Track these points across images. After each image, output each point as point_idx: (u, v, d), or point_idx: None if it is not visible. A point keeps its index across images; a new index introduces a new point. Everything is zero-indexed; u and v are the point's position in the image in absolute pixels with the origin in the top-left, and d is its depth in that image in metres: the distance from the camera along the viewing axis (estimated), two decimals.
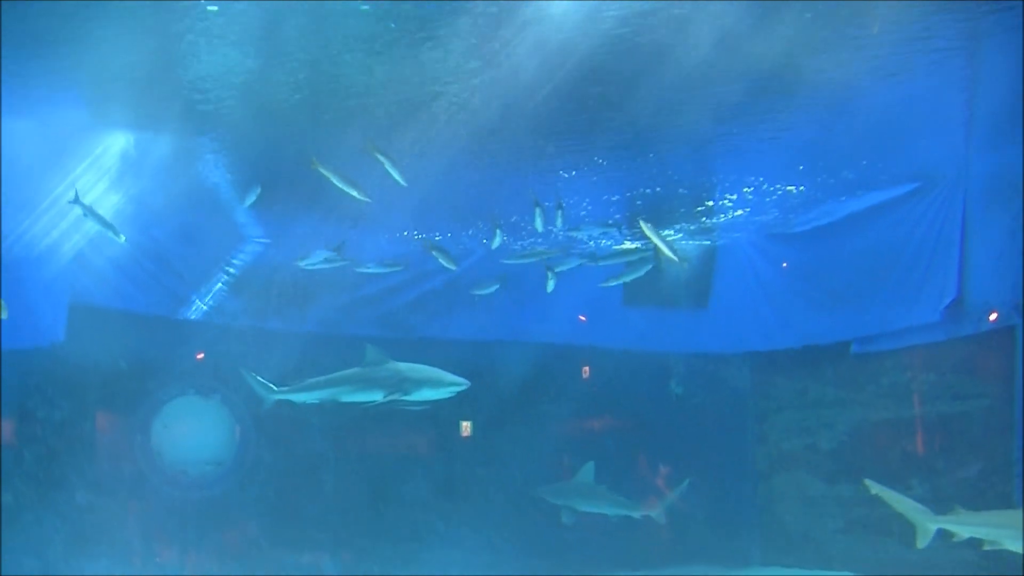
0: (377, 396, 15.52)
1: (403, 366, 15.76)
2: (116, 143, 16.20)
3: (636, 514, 20.07)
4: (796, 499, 21.07)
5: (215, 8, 11.60)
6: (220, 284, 20.11)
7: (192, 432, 20.75)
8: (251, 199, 17.27)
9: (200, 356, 20.73)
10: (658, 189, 18.16)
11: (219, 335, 20.50)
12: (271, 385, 16.68)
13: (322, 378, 16.37)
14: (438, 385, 15.62)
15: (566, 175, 17.40)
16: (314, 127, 15.37)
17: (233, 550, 19.92)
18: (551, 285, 18.60)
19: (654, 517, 20.03)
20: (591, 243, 20.67)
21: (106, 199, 17.16)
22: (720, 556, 21.48)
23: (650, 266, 18.71)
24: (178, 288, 19.84)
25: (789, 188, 18.30)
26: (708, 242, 21.48)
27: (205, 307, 20.51)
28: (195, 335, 20.52)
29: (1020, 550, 12.08)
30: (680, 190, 18.35)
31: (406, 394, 15.48)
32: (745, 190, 18.35)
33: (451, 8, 11.51)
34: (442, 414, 21.19)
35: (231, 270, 20.26)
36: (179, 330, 20.21)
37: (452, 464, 21.26)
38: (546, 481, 21.23)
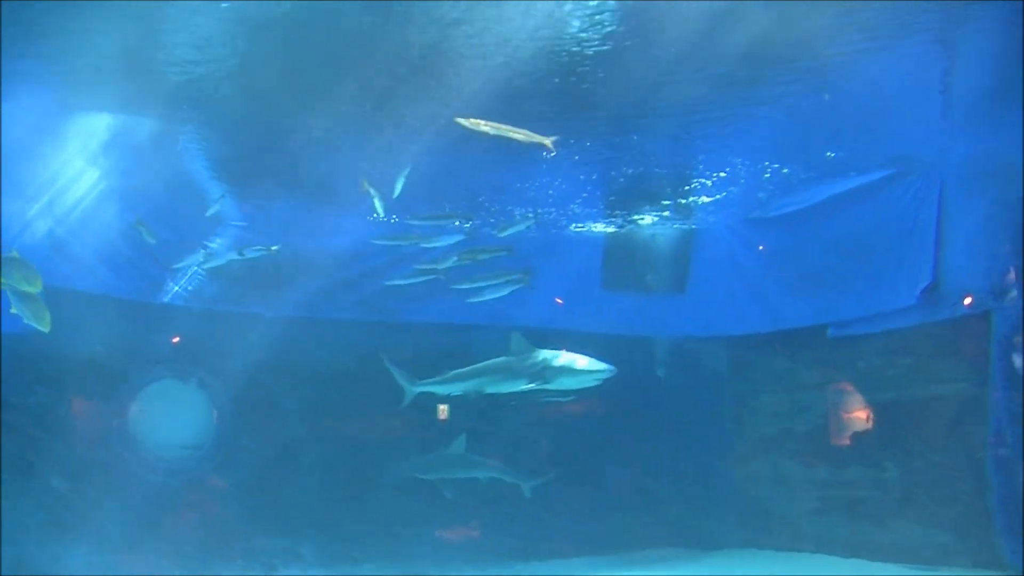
0: (522, 385, 15.50)
1: (547, 354, 15.75)
2: (92, 125, 16.07)
3: (508, 478, 20.27)
4: (773, 481, 21.17)
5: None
6: (197, 268, 19.98)
7: (170, 417, 20.70)
8: (215, 208, 17.30)
9: (177, 340, 20.67)
10: (640, 169, 18.14)
11: (196, 319, 20.40)
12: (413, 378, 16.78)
13: (466, 369, 16.55)
14: (584, 372, 15.57)
15: (546, 155, 17.39)
16: (293, 110, 15.28)
17: (211, 535, 19.86)
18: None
19: (522, 488, 20.25)
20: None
21: (82, 182, 17.06)
22: (697, 538, 21.56)
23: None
24: (155, 272, 19.73)
25: (766, 174, 18.35)
26: (686, 226, 21.50)
27: (182, 291, 20.41)
28: (172, 319, 20.44)
29: None
30: (657, 171, 18.33)
31: (550, 382, 15.50)
32: (722, 174, 18.36)
33: None
34: (420, 398, 21.22)
35: (209, 254, 20.15)
36: (156, 315, 20.11)
37: (431, 448, 21.26)
38: (528, 464, 21.28)
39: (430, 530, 20.91)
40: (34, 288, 12.93)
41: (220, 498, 20.35)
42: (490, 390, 16.22)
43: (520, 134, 12.72)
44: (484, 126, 12.52)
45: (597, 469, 22.10)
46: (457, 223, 18.82)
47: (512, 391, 16.02)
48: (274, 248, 18.35)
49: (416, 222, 18.47)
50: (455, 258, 18.30)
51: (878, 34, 13.02)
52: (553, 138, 12.99)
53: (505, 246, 18.62)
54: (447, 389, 16.68)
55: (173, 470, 20.36)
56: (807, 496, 20.30)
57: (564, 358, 15.60)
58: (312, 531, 20.42)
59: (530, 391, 15.81)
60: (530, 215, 19.44)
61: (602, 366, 15.43)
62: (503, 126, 12.58)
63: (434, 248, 18.86)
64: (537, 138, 12.82)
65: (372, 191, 15.43)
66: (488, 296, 18.95)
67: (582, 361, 15.59)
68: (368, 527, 20.74)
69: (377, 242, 18.70)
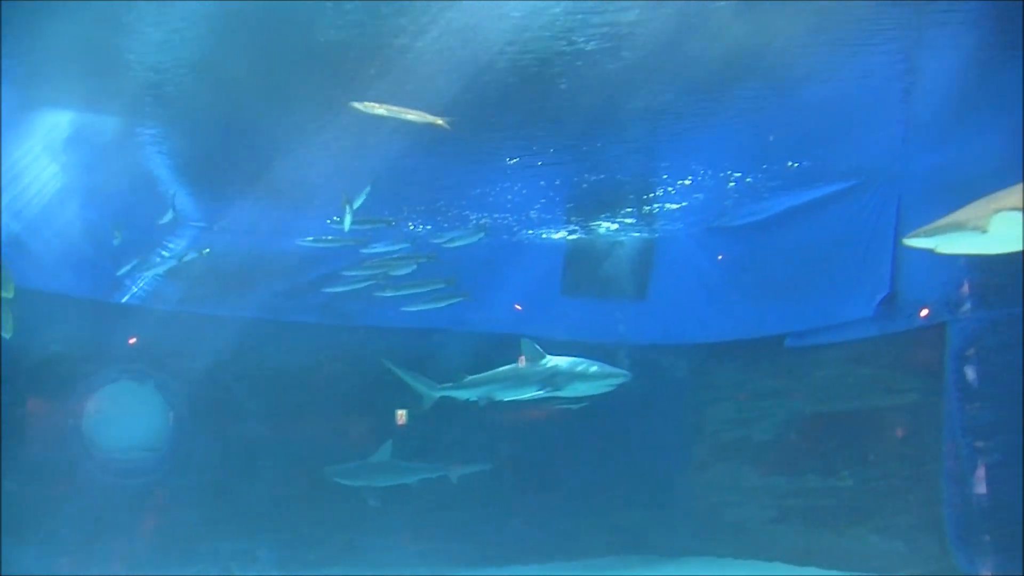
0: (535, 391, 15.60)
1: (560, 360, 15.71)
2: (53, 123, 15.89)
3: (434, 475, 20.30)
4: (731, 489, 21.26)
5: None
6: (158, 268, 19.85)
7: (126, 418, 20.54)
8: (168, 217, 17.23)
9: (135, 341, 20.52)
10: (603, 176, 18.18)
11: (156, 320, 20.26)
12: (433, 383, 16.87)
13: (481, 375, 16.59)
14: (596, 378, 15.58)
15: (510, 160, 17.38)
16: (257, 111, 15.18)
17: (167, 537, 19.75)
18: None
19: (449, 475, 20.38)
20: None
21: (42, 180, 16.90)
22: (654, 545, 21.66)
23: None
24: (114, 272, 19.58)
25: (730, 183, 18.44)
26: (648, 233, 21.58)
27: (142, 292, 20.26)
28: (131, 320, 20.29)
29: None
30: (620, 178, 18.37)
31: (563, 388, 15.51)
32: (684, 182, 18.43)
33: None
34: (380, 402, 21.20)
35: (169, 254, 20.01)
36: (115, 314, 19.96)
37: (392, 453, 21.22)
38: (486, 473, 21.28)
39: (386, 534, 20.88)
40: (7, 294, 12.72)
41: (177, 500, 20.23)
42: (503, 396, 16.05)
43: (414, 115, 12.67)
44: (378, 108, 12.46)
45: (555, 475, 22.15)
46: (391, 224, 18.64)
47: (525, 397, 15.89)
48: (205, 251, 18.26)
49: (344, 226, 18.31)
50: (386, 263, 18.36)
51: (841, 46, 13.10)
52: (448, 118, 12.89)
53: (428, 254, 18.55)
54: (461, 394, 16.51)
55: (129, 472, 20.20)
56: (764, 504, 20.41)
57: (577, 364, 15.43)
58: (270, 534, 20.37)
59: (543, 397, 15.69)
60: (482, 227, 19.36)
61: (616, 371, 15.49)
62: (396, 108, 12.52)
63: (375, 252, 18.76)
64: (430, 118, 12.76)
65: (348, 208, 15.40)
66: (427, 306, 18.96)
67: (596, 367, 15.61)
68: (325, 530, 20.70)
69: (303, 244, 18.58)
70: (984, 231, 7.78)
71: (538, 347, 15.90)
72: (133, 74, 13.76)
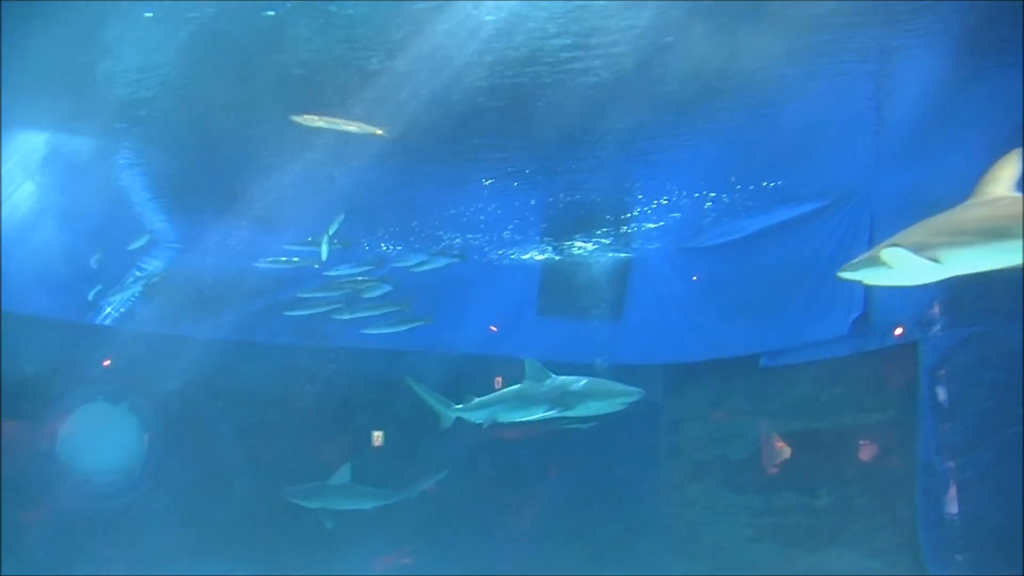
0: (545, 412, 15.14)
1: (568, 380, 15.24)
2: (28, 143, 15.86)
3: (391, 501, 19.99)
4: (707, 508, 21.28)
5: (151, 15, 11.50)
6: (132, 289, 19.79)
7: (100, 440, 20.42)
8: (139, 243, 17.22)
9: (108, 363, 20.43)
10: (578, 196, 18.24)
11: (130, 341, 20.18)
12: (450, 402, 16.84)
13: (493, 395, 16.16)
14: (607, 397, 15.07)
15: (486, 181, 17.41)
16: (233, 132, 15.19)
17: (142, 560, 19.61)
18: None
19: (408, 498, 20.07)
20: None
21: (18, 200, 16.84)
22: (631, 563, 21.64)
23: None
24: (89, 292, 19.50)
25: (707, 204, 18.52)
26: (623, 253, 21.64)
27: (116, 313, 20.19)
28: (105, 341, 20.23)
29: None
30: (596, 198, 18.45)
31: (574, 408, 15.04)
32: (658, 203, 18.51)
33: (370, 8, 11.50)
34: (355, 422, 21.18)
35: (144, 275, 19.95)
36: (89, 335, 19.89)
37: (364, 473, 21.15)
38: (461, 490, 21.24)
39: (364, 554, 20.80)
40: None
41: (151, 522, 20.10)
42: (514, 417, 15.88)
43: (353, 126, 12.71)
44: (318, 121, 12.49)
45: (532, 494, 22.14)
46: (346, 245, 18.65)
47: (534, 418, 15.70)
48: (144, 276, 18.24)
49: (292, 247, 18.34)
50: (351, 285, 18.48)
51: (812, 68, 13.22)
52: (385, 127, 12.90)
53: (382, 277, 18.62)
54: (475, 416, 16.38)
55: (102, 494, 20.07)
56: (740, 522, 20.43)
57: (589, 383, 15.13)
58: (246, 556, 20.25)
59: (553, 417, 15.50)
60: (455, 253, 19.38)
61: (629, 389, 14.98)
62: (335, 119, 12.55)
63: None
64: (369, 128, 12.79)
65: (329, 233, 15.44)
66: (389, 329, 19.00)
67: (607, 385, 15.19)
68: (301, 552, 20.61)
69: (261, 265, 18.54)
70: (887, 265, 8.47)
71: (541, 366, 15.73)
72: (108, 95, 13.78)
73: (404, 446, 21.36)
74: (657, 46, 12.18)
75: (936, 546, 15.79)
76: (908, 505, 16.62)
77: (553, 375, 15.39)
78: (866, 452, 18.21)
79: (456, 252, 19.54)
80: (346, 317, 18.77)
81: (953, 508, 15.37)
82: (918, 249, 8.22)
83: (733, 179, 17.57)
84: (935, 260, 8.26)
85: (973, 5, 11.64)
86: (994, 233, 8.08)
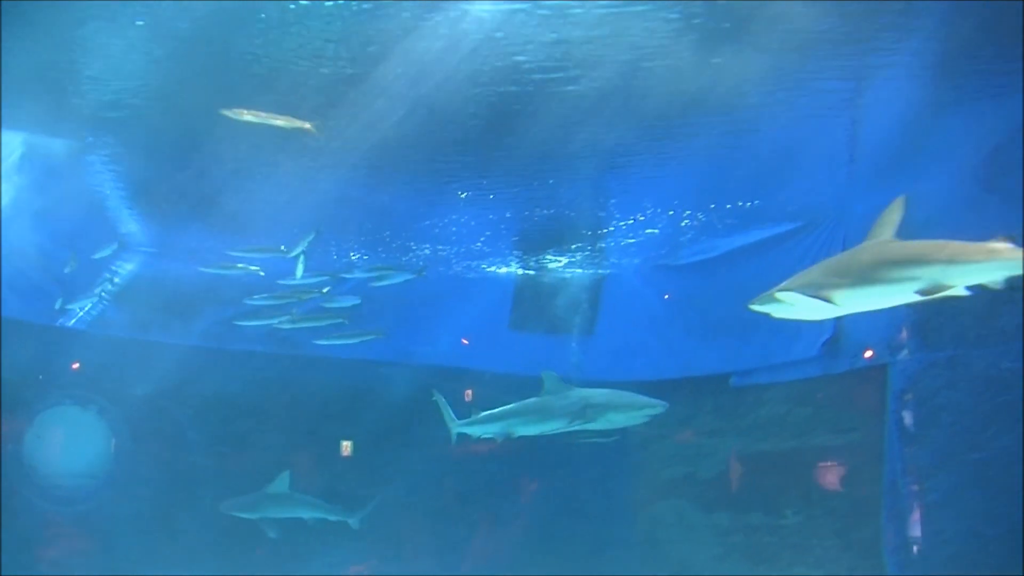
0: (564, 425, 14.96)
1: (588, 392, 15.09)
2: (4, 143, 15.76)
3: (333, 517, 19.68)
4: (675, 526, 21.28)
5: (142, 23, 11.48)
6: (103, 293, 19.69)
7: (67, 443, 20.28)
8: (105, 252, 17.16)
9: (77, 366, 20.30)
10: (553, 211, 18.28)
11: (100, 345, 20.06)
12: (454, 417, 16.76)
13: (508, 408, 15.88)
14: (627, 409, 14.86)
15: (462, 194, 17.42)
16: (207, 137, 15.12)
17: (106, 565, 19.45)
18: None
19: (350, 523, 19.70)
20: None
21: None
22: None
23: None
24: (58, 294, 19.39)
25: (683, 222, 18.58)
26: (597, 270, 21.68)
27: (87, 316, 20.08)
28: (75, 344, 20.09)
29: None
30: (570, 213, 18.49)
31: (593, 421, 14.85)
32: (632, 220, 18.57)
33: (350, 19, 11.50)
34: (324, 432, 21.10)
35: (115, 279, 19.85)
36: (58, 339, 19.76)
37: (333, 483, 21.09)
38: (430, 502, 21.19)
39: (330, 565, 20.71)
40: None
41: (116, 529, 19.94)
42: (530, 431, 15.66)
43: (281, 120, 12.66)
44: (247, 115, 12.46)
45: (500, 508, 22.08)
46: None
47: (553, 431, 15.48)
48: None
49: (238, 253, 18.11)
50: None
51: (791, 90, 13.31)
52: (315, 122, 12.86)
53: (325, 287, 18.49)
54: (485, 430, 16.18)
55: (69, 498, 19.93)
56: (708, 540, 20.45)
57: (610, 395, 15.00)
58: (212, 564, 20.10)
59: (572, 431, 15.27)
60: (416, 270, 19.35)
61: (652, 402, 14.69)
62: (263, 114, 12.52)
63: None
64: (298, 123, 12.75)
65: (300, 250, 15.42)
66: (340, 341, 19.03)
67: (629, 398, 14.91)
68: (268, 560, 20.49)
69: (205, 270, 18.51)
70: (785, 303, 9.42)
71: (559, 378, 15.51)
72: (83, 98, 13.74)
73: (373, 456, 21.27)
74: (635, 65, 12.24)
75: (900, 568, 15.88)
76: (874, 526, 16.71)
77: (572, 387, 15.26)
78: (834, 473, 18.28)
79: (417, 268, 19.49)
80: (286, 327, 18.64)
81: (917, 531, 15.47)
82: (813, 289, 9.05)
83: (708, 198, 17.64)
84: (828, 300, 9.04)
85: (948, 33, 11.74)
86: (876, 276, 8.88)
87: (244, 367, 21.02)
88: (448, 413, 17.17)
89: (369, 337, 19.04)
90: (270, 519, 19.49)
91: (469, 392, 21.01)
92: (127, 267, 19.76)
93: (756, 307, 9.80)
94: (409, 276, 18.65)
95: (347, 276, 18.90)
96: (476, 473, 21.95)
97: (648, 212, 18.27)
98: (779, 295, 9.23)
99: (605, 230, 19.24)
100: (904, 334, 16.00)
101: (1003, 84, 13.15)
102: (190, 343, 20.48)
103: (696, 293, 20.51)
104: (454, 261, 20.81)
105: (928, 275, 8.62)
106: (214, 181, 16.43)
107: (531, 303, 21.54)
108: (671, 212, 18.26)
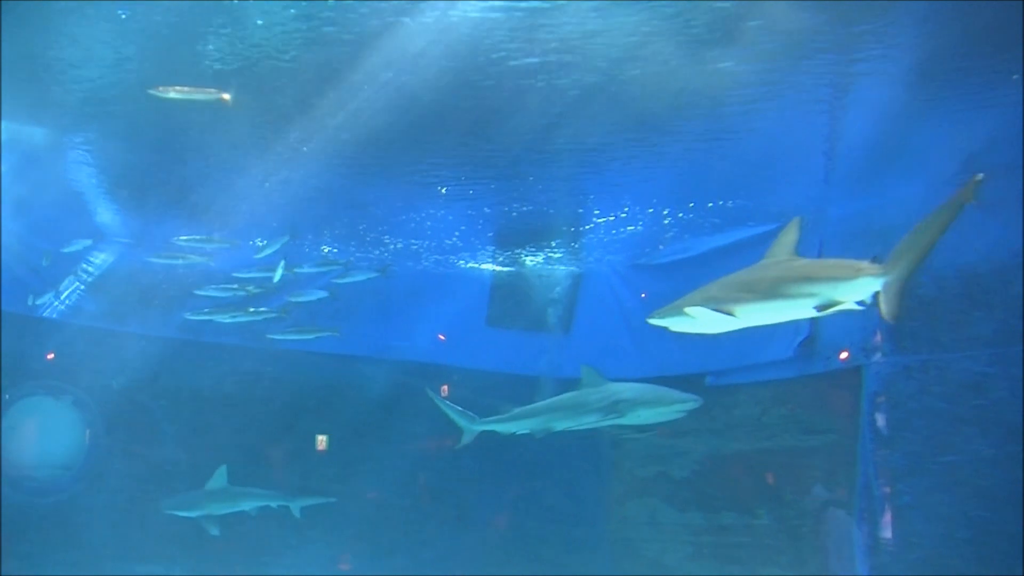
0: (593, 420, 14.71)
1: (621, 386, 14.78)
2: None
3: (274, 504, 19.23)
4: (648, 525, 21.33)
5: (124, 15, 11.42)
6: (78, 283, 19.60)
7: (41, 434, 20.17)
8: (76, 246, 17.08)
9: (51, 356, 20.19)
10: (531, 208, 18.29)
11: (74, 335, 19.98)
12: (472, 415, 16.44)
13: (532, 406, 15.70)
14: (662, 404, 14.45)
15: (442, 189, 17.41)
16: (185, 129, 15.07)
17: (78, 559, 19.37)
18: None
19: (291, 508, 19.30)
20: None
21: None
22: None
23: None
24: (34, 285, 19.28)
25: (666, 220, 18.63)
26: (574, 268, 21.71)
27: (62, 306, 19.98)
28: (50, 334, 19.99)
29: None
30: (549, 211, 18.52)
31: (626, 416, 14.48)
32: (611, 217, 18.60)
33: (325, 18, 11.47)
34: (299, 426, 21.06)
35: (91, 269, 19.76)
36: (33, 328, 19.64)
37: (307, 477, 21.05)
38: (404, 499, 21.17)
39: (300, 560, 20.68)
40: None
41: (89, 521, 19.84)
42: (560, 427, 15.25)
43: (201, 94, 12.67)
44: (171, 92, 12.48)
45: (473, 507, 22.08)
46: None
47: (584, 427, 15.22)
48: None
49: (185, 241, 18.21)
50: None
51: (769, 93, 13.36)
52: (229, 92, 12.82)
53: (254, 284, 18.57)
54: (511, 427, 15.91)
55: (42, 490, 19.82)
56: (680, 540, 20.50)
57: (643, 390, 14.62)
58: (184, 557, 20.04)
59: (605, 426, 15.02)
60: (378, 269, 19.35)
61: (686, 396, 14.33)
62: (186, 88, 12.53)
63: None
64: (214, 93, 12.74)
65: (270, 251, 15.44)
66: (298, 336, 19.16)
67: (664, 393, 14.54)
68: (240, 554, 20.43)
69: (152, 260, 18.56)
70: (687, 316, 9.73)
71: (596, 372, 15.29)
72: (62, 87, 13.65)
73: (348, 451, 21.24)
74: (617, 64, 12.25)
75: (871, 569, 15.96)
76: (846, 528, 16.80)
77: (609, 381, 15.02)
78: (808, 474, 18.35)
79: (380, 266, 19.48)
80: (227, 320, 18.62)
81: (888, 533, 15.56)
82: (716, 304, 9.45)
83: (686, 198, 17.69)
84: (729, 313, 9.45)
85: (926, 39, 11.80)
86: (778, 292, 9.36)
87: (219, 359, 20.96)
88: (455, 411, 16.99)
89: (324, 334, 19.02)
90: (211, 516, 19.01)
91: (445, 387, 21.00)
92: (104, 258, 19.66)
93: (656, 320, 10.11)
94: (371, 275, 18.69)
95: (301, 271, 18.84)
96: (448, 472, 21.96)
97: (626, 211, 18.31)
98: (686, 309, 9.56)
99: (583, 228, 19.27)
100: (879, 337, 16.08)
101: (980, 91, 13.25)
102: (165, 334, 20.39)
103: (673, 293, 20.40)
104: (432, 257, 20.80)
105: (823, 292, 9.18)
106: (191, 173, 16.40)
107: (509, 300, 21.55)
108: (650, 211, 18.30)
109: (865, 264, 8.95)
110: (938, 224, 8.56)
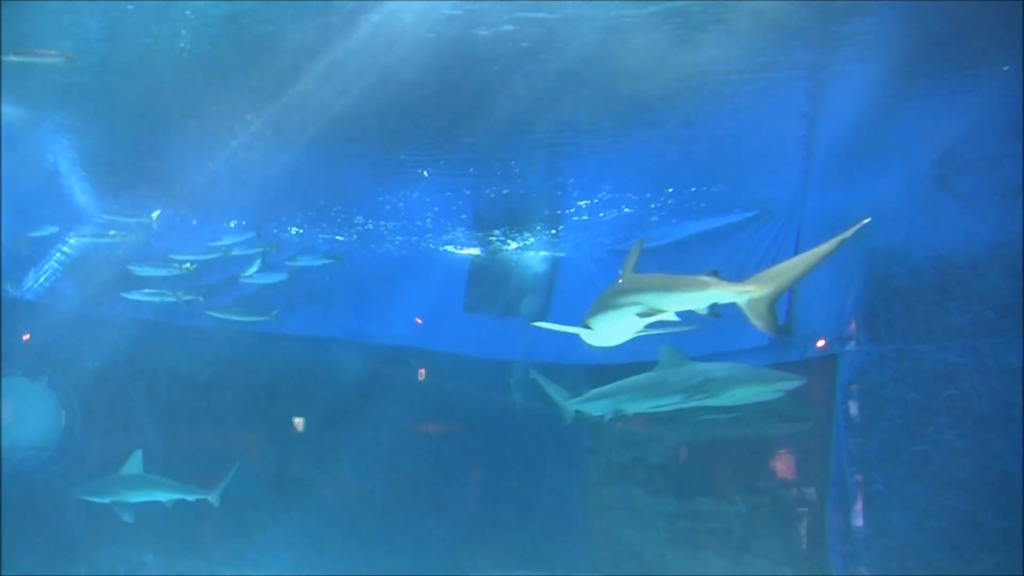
0: (683, 401, 14.29)
1: (707, 366, 14.37)
2: None
3: (191, 497, 18.70)
4: (624, 511, 21.40)
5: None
6: (55, 265, 19.48)
7: (15, 415, 20.07)
8: (43, 232, 16.99)
9: (27, 337, 20.08)
10: (510, 193, 18.25)
11: (51, 317, 19.86)
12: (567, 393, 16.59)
13: (619, 384, 15.40)
14: (757, 383, 14.01)
15: (423, 173, 17.36)
16: (166, 113, 14.99)
17: (52, 542, 19.30)
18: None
19: (210, 500, 18.78)
20: None
21: None
22: (547, 564, 21.71)
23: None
24: (10, 267, 19.16)
25: (642, 207, 18.64)
26: (552, 253, 21.70)
27: (37, 287, 19.87)
28: (25, 316, 19.87)
29: None
30: (528, 196, 18.49)
31: (715, 396, 14.07)
32: (592, 203, 18.60)
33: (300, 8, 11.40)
34: (275, 411, 21.01)
35: (67, 251, 19.63)
36: (8, 309, 19.51)
37: (284, 462, 21.03)
38: (381, 484, 21.18)
39: (275, 544, 20.66)
40: None
41: (64, 502, 19.75)
42: (645, 407, 15.13)
43: (42, 56, 12.62)
44: (12, 56, 12.41)
45: (449, 493, 22.11)
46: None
47: (671, 407, 14.74)
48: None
49: (102, 217, 18.17)
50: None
51: (751, 83, 13.36)
52: (68, 54, 12.78)
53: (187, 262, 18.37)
54: (599, 406, 15.75)
55: (15, 472, 19.72)
56: (655, 525, 20.59)
57: (732, 369, 14.24)
58: (157, 540, 19.98)
59: (692, 407, 14.83)
60: (339, 256, 19.34)
61: (785, 375, 13.87)
62: (28, 51, 12.39)
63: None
64: (56, 55, 12.66)
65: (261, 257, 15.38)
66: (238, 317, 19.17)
67: (757, 372, 14.22)
68: (213, 538, 20.41)
69: (79, 239, 18.67)
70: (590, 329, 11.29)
71: (678, 351, 15.04)
72: (40, 70, 13.51)
73: (324, 436, 21.24)
74: (598, 48, 12.21)
75: (843, 558, 16.07)
76: (820, 516, 16.90)
77: (692, 360, 14.68)
78: (783, 462, 18.46)
79: (336, 254, 19.45)
80: (137, 297, 18.66)
81: (860, 521, 15.65)
82: (584, 319, 11.20)
83: (665, 184, 17.69)
84: (587, 327, 11.34)
85: (906, 32, 11.83)
86: (611, 303, 10.94)
87: (196, 342, 20.87)
88: (556, 391, 17.04)
89: (261, 319, 18.97)
90: (123, 503, 18.59)
91: (422, 371, 21.01)
92: (79, 240, 19.52)
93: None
94: (326, 261, 18.70)
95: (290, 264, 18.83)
96: (425, 458, 21.99)
97: (605, 196, 18.29)
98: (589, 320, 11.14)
99: (562, 213, 19.25)
100: (854, 326, 16.15)
101: (958, 84, 13.29)
102: (141, 317, 20.29)
103: None
104: (409, 240, 20.76)
105: (647, 301, 10.47)
106: (166, 156, 16.31)
107: (486, 285, 21.52)
108: (630, 196, 18.29)
109: (708, 278, 9.98)
110: (817, 258, 9.24)
